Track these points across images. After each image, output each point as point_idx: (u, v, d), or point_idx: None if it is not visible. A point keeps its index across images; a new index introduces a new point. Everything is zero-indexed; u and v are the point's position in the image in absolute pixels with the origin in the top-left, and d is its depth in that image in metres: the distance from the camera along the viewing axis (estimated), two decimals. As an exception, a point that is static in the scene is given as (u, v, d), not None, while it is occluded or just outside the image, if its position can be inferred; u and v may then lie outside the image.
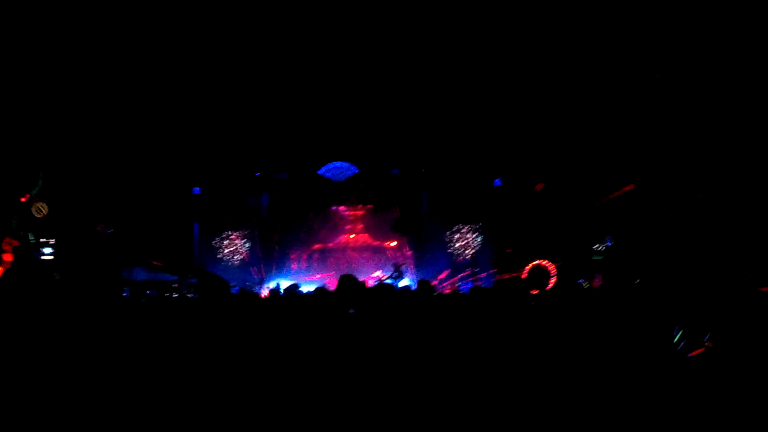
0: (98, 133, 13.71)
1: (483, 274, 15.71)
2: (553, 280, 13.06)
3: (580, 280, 11.13)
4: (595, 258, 12.85)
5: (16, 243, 5.31)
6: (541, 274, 13.54)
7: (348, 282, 4.91)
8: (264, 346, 3.83)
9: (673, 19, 11.94)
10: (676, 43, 12.17)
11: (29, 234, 6.50)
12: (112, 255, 11.74)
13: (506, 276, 14.00)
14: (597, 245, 13.16)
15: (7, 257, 5.21)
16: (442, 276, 15.14)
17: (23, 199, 6.54)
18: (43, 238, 10.10)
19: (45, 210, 6.84)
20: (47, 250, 10.36)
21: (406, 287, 8.74)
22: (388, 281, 13.82)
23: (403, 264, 15.35)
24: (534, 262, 13.85)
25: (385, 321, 4.04)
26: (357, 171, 17.61)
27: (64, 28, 11.78)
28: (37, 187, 6.82)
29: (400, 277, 14.24)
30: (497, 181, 16.76)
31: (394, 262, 14.96)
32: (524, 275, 13.61)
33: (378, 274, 15.24)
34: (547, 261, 13.79)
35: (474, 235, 17.02)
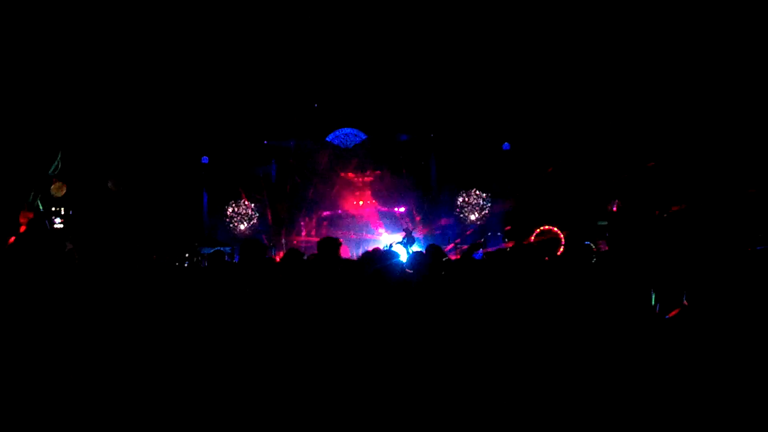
0: (110, 106, 13.74)
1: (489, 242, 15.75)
2: (562, 248, 13.07)
3: (587, 242, 11.13)
4: (600, 223, 12.81)
5: (31, 216, 5.38)
6: (550, 241, 13.54)
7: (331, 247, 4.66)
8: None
9: None
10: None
11: (39, 202, 6.57)
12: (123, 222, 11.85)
13: (512, 243, 14.03)
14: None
15: (22, 229, 5.28)
16: (450, 246, 15.19)
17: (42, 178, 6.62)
18: (53, 206, 10.21)
19: (63, 190, 6.91)
20: (58, 219, 10.47)
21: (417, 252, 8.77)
22: (399, 244, 13.90)
23: (414, 229, 15.40)
24: (542, 227, 13.84)
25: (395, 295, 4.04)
26: (365, 137, 17.55)
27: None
28: (55, 167, 6.88)
29: (411, 242, 14.30)
30: (506, 145, 16.66)
31: (404, 228, 15.03)
32: (532, 238, 13.62)
33: (387, 238, 15.30)
34: (555, 227, 13.78)
35: (483, 200, 17.00)
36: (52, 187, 6.77)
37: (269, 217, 17.09)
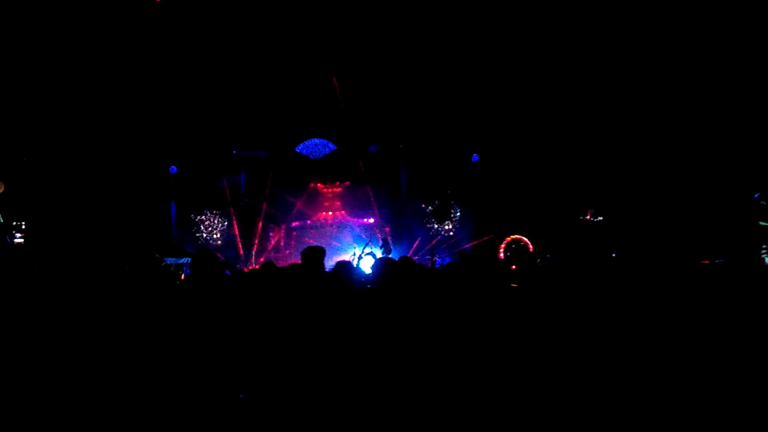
0: (74, 114, 13.51)
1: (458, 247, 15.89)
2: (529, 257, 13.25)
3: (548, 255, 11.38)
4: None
5: None
6: (519, 250, 13.70)
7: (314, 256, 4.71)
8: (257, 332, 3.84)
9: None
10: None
11: None
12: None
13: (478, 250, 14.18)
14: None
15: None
16: (414, 248, 15.31)
17: None
18: (14, 220, 9.96)
19: (2, 188, 6.73)
20: (18, 233, 10.22)
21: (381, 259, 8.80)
22: (370, 253, 13.92)
23: (390, 239, 15.45)
24: (510, 237, 13.99)
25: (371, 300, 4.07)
26: (335, 148, 17.56)
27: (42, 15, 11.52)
28: None
29: (389, 251, 14.36)
30: (475, 157, 16.83)
31: (382, 237, 15.15)
32: (501, 248, 13.77)
33: (356, 250, 15.31)
34: (523, 237, 13.94)
35: (452, 211, 17.12)
36: None
37: (237, 229, 16.97)
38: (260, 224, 17.11)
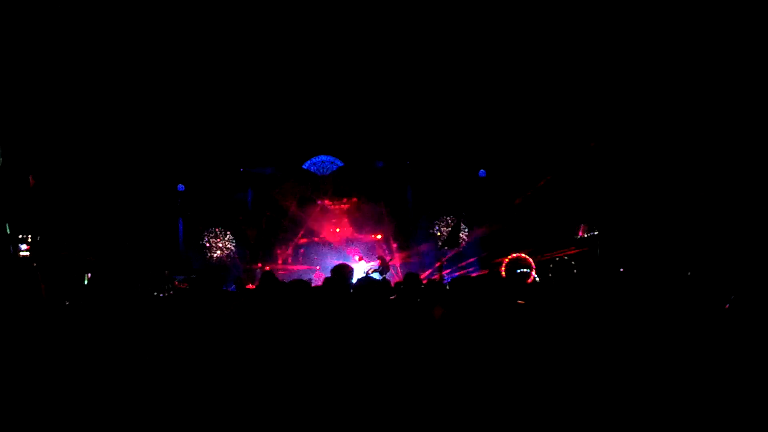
0: (83, 131, 13.64)
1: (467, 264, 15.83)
2: (532, 276, 13.12)
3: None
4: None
5: None
6: (521, 268, 13.53)
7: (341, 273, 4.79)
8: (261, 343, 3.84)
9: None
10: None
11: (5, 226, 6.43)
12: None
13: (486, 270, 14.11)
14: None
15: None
16: (426, 273, 15.24)
17: None
18: (20, 233, 9.99)
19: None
20: (24, 246, 10.26)
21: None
22: (374, 275, 13.85)
23: (390, 258, 15.39)
24: (513, 255, 13.84)
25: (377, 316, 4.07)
26: (341, 165, 17.62)
27: (43, 25, 11.67)
28: None
29: (386, 271, 14.28)
30: (482, 172, 16.84)
31: (379, 256, 15.01)
32: (503, 266, 13.65)
33: (364, 266, 15.27)
34: (527, 255, 13.80)
35: (460, 226, 17.09)
36: None
37: (244, 246, 17.01)
38: (267, 241, 17.14)
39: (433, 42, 13.95)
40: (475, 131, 15.78)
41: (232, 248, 17.09)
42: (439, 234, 17.09)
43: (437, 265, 15.39)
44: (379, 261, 14.41)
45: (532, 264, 13.51)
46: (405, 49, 14.18)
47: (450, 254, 16.67)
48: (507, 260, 13.66)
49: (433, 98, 15.26)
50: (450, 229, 16.69)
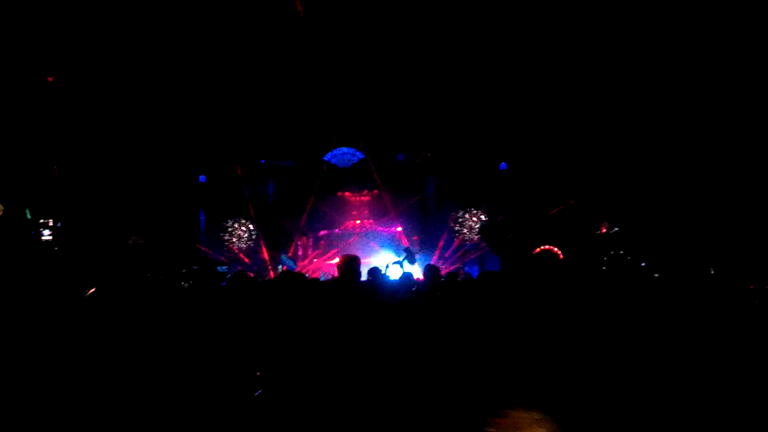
0: (105, 124, 13.77)
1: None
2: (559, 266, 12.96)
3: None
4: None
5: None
6: (549, 260, 13.39)
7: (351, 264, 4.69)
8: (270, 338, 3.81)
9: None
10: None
11: (26, 211, 6.49)
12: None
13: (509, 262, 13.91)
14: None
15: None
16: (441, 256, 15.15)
17: None
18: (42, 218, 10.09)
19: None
20: (46, 231, 10.35)
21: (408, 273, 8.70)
22: (396, 263, 13.76)
23: (415, 249, 15.31)
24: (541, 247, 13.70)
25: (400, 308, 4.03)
26: (362, 156, 17.56)
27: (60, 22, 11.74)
28: None
29: (412, 261, 14.19)
30: (503, 165, 16.66)
31: (405, 247, 14.96)
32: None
33: (385, 258, 15.21)
34: (554, 247, 13.64)
35: (481, 219, 16.94)
36: None
37: (264, 237, 17.04)
38: (288, 233, 17.18)
39: (455, 35, 13.80)
40: (497, 123, 15.61)
41: (253, 240, 17.11)
42: (458, 227, 16.93)
43: (459, 258, 15.24)
44: (404, 252, 14.35)
45: (561, 256, 13.37)
46: (427, 42, 14.05)
47: (468, 246, 16.56)
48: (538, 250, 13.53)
49: (454, 90, 15.11)
50: (484, 223, 16.46)
